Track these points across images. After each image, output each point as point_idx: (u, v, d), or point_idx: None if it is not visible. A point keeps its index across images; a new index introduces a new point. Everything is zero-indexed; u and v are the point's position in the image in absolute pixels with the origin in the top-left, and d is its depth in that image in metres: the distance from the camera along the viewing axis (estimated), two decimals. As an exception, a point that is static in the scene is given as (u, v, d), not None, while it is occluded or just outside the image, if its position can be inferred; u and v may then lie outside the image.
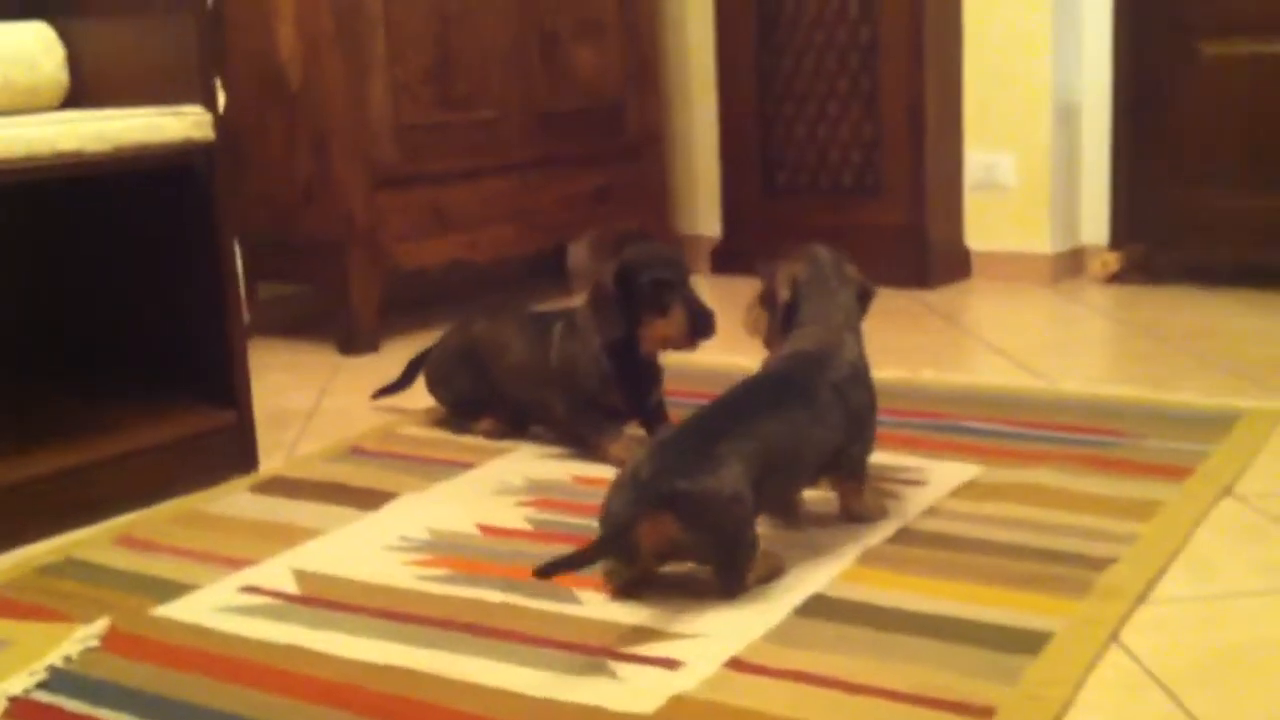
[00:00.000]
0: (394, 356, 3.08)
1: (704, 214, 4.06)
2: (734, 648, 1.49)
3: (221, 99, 2.93)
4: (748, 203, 3.87)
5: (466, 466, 2.19)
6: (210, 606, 1.68)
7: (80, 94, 2.34)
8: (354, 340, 3.13)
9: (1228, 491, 1.92)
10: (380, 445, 2.34)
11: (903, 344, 2.93)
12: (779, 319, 1.87)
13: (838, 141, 3.69)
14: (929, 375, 2.63)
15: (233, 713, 1.40)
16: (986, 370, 2.70)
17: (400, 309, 3.44)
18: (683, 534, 1.58)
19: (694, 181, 4.09)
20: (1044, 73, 3.49)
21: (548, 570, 1.51)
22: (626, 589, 1.64)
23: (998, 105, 3.57)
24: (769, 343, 1.91)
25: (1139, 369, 2.66)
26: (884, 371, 2.63)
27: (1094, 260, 3.58)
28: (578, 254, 4.19)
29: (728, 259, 3.88)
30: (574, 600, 1.64)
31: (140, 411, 2.26)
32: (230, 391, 2.25)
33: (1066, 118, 3.57)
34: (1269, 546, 1.74)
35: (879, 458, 2.09)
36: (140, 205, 2.31)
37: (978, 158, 3.62)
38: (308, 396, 2.75)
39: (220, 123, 2.20)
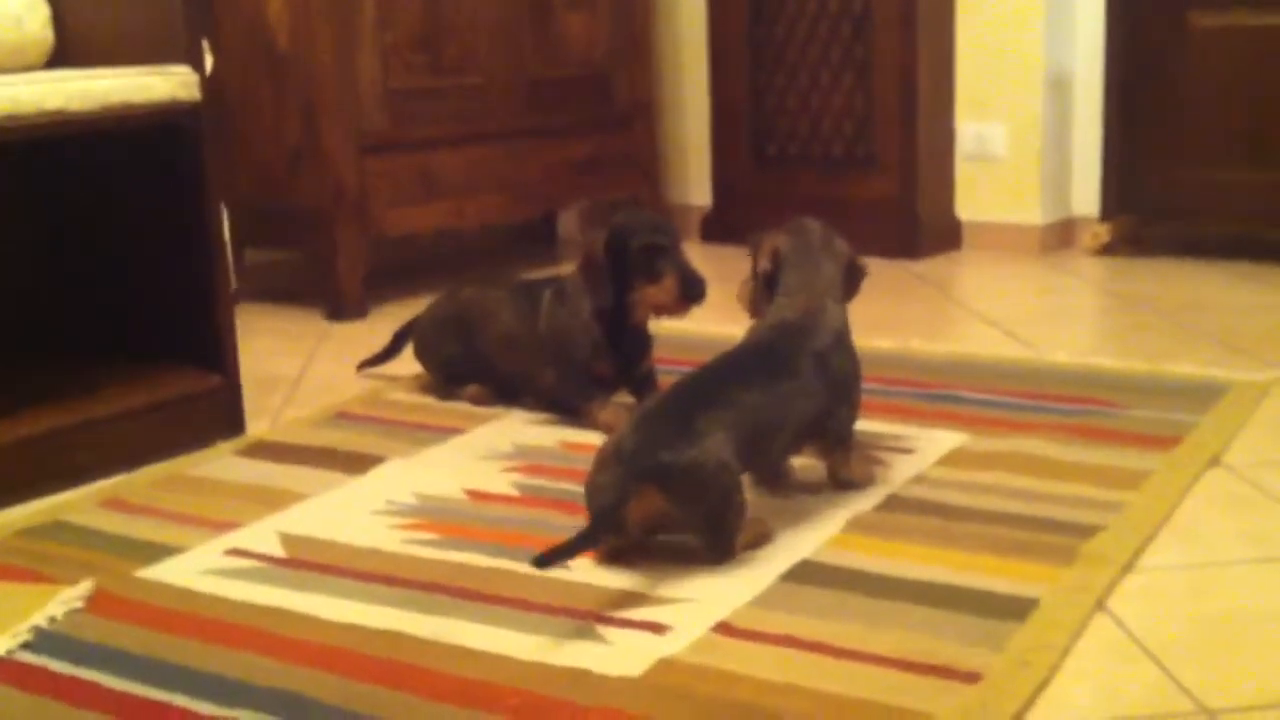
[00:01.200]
0: (382, 323, 3.07)
1: (695, 184, 4.04)
2: (721, 612, 1.49)
3: (209, 61, 2.91)
4: (738, 173, 3.86)
5: (454, 432, 2.19)
6: (196, 569, 1.67)
7: (66, 53, 2.31)
8: (341, 306, 3.12)
9: (1215, 461, 1.92)
10: (367, 410, 2.33)
11: (893, 314, 2.92)
12: (761, 289, 1.87)
13: (829, 112, 3.68)
14: (918, 345, 2.63)
15: (218, 674, 1.40)
16: (976, 340, 2.69)
17: (388, 276, 3.43)
18: (670, 506, 1.58)
19: (685, 151, 4.07)
20: (1036, 44, 3.48)
21: (545, 560, 1.50)
22: (614, 555, 1.64)
23: (990, 76, 3.55)
24: (754, 312, 1.90)
25: (1128, 340, 2.66)
26: (874, 341, 2.64)
27: (1085, 232, 3.58)
28: (568, 223, 4.18)
29: (718, 229, 3.87)
30: (562, 565, 1.63)
31: (127, 375, 2.25)
32: (217, 355, 2.24)
33: (1058, 89, 3.56)
34: (1256, 516, 1.74)
35: (868, 425, 2.09)
36: (127, 167, 2.29)
37: (969, 129, 3.61)
38: (295, 362, 2.74)
39: (208, 86, 2.18)
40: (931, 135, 3.57)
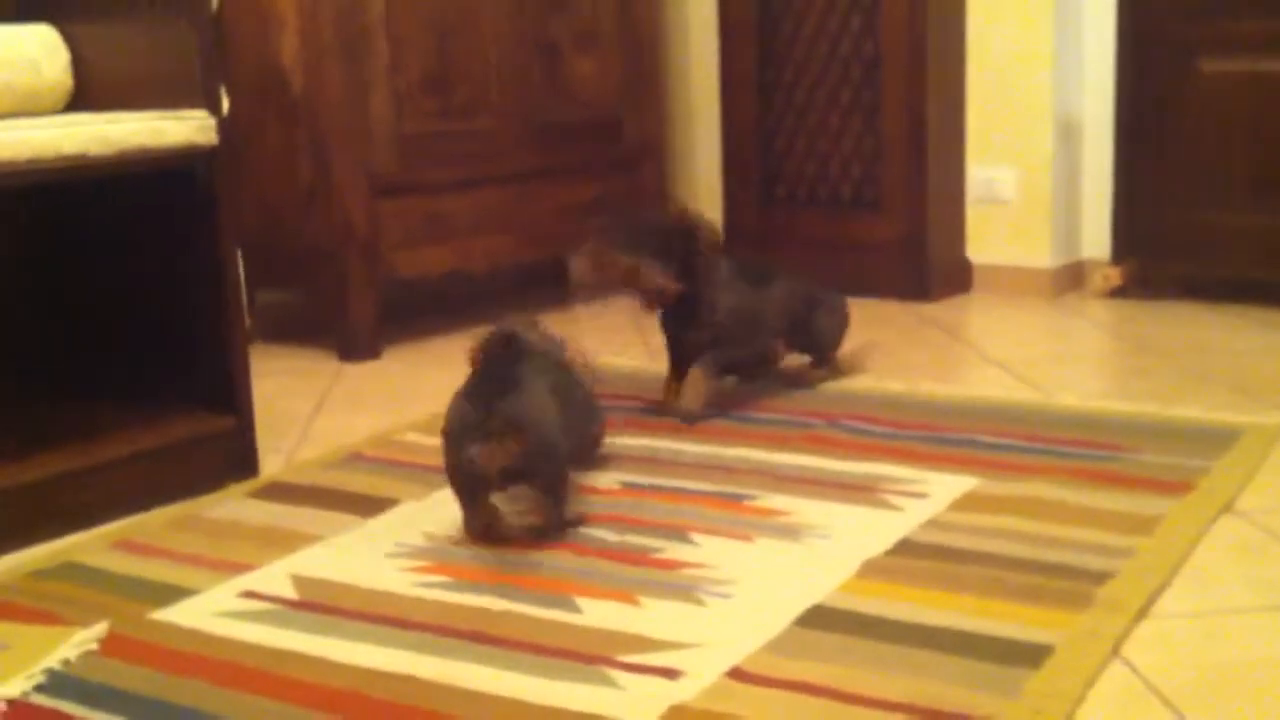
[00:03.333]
0: (394, 363, 3.08)
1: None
2: (734, 658, 1.48)
3: (225, 104, 2.94)
4: (748, 214, 3.87)
5: (466, 474, 2.19)
6: (209, 611, 1.67)
7: (84, 97, 2.33)
8: (354, 347, 3.13)
9: (1228, 507, 1.92)
10: (380, 452, 2.34)
11: (902, 357, 2.92)
12: None
13: (838, 154, 3.69)
14: (928, 387, 2.63)
15: (230, 717, 1.40)
16: (986, 384, 2.69)
17: (401, 317, 3.44)
18: (515, 446, 1.77)
19: (694, 192, 4.09)
20: (1045, 88, 3.50)
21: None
22: (487, 534, 1.83)
23: (999, 120, 3.57)
24: None
25: (1139, 384, 2.67)
26: (884, 383, 2.65)
27: (1095, 274, 3.58)
28: (577, 265, 4.18)
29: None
30: (574, 608, 1.63)
31: (140, 416, 2.25)
32: (230, 396, 2.25)
33: (1068, 133, 3.58)
34: (1269, 563, 1.74)
35: (879, 469, 2.10)
36: (143, 209, 2.31)
37: (979, 172, 3.63)
38: (307, 402, 2.75)
39: (222, 128, 2.20)
40: (941, 178, 3.59)
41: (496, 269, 3.63)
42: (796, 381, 2.68)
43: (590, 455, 2.18)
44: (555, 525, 1.86)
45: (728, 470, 2.15)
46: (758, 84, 3.79)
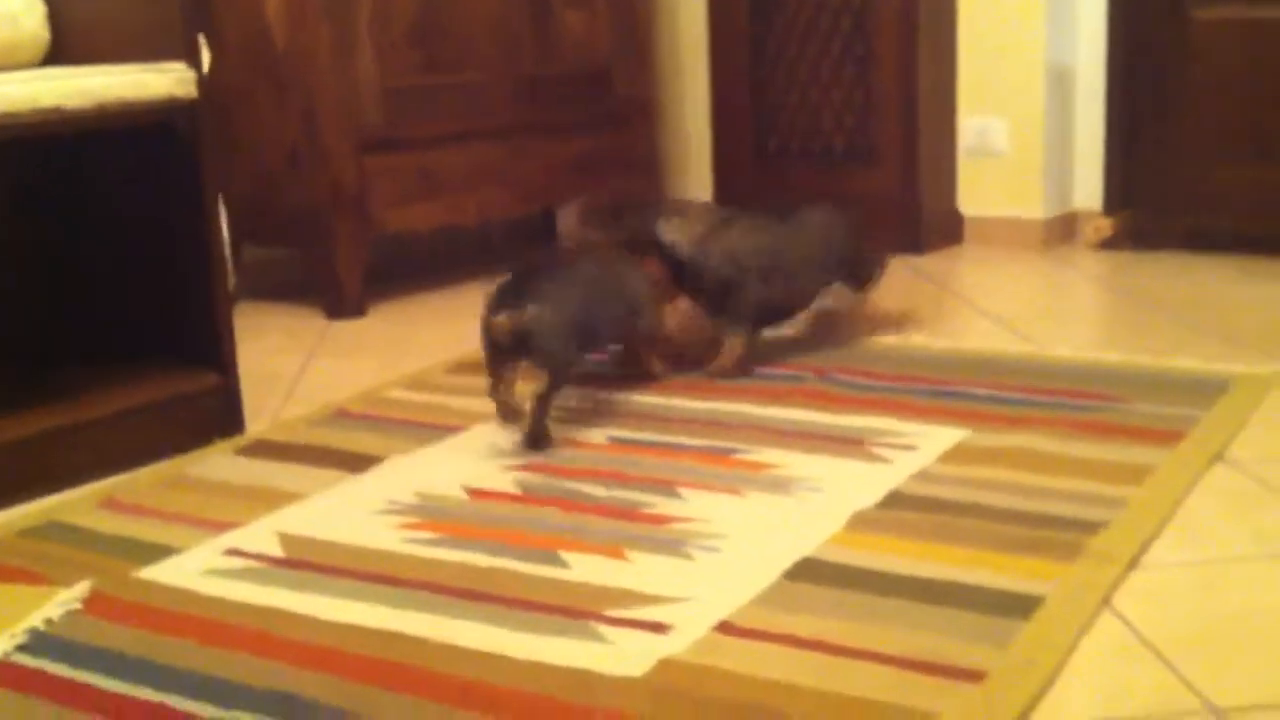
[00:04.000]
0: (380, 321, 3.06)
1: (696, 179, 4.03)
2: (723, 611, 1.48)
3: (206, 58, 2.90)
4: (739, 168, 3.84)
5: (455, 430, 2.18)
6: (194, 569, 1.66)
7: (62, 51, 2.30)
8: (341, 305, 3.11)
9: (1219, 457, 1.91)
10: (366, 409, 2.32)
11: (894, 309, 2.91)
12: None
13: (830, 106, 3.66)
14: (920, 340, 2.62)
15: (216, 675, 1.39)
16: (978, 335, 2.68)
17: (388, 273, 3.41)
18: (522, 317, 2.00)
19: (686, 147, 4.06)
20: (1038, 38, 3.47)
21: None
22: (499, 401, 2.04)
23: (991, 70, 3.54)
24: None
25: (1131, 335, 2.65)
26: (875, 336, 2.63)
27: (1087, 225, 3.56)
28: (567, 219, 4.16)
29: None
30: (562, 564, 1.62)
31: (124, 375, 2.23)
32: (216, 354, 2.23)
33: (1060, 83, 3.55)
34: (1261, 512, 1.73)
35: (870, 421, 2.08)
36: (124, 164, 2.28)
37: (971, 123, 3.60)
38: (294, 360, 2.73)
39: (206, 84, 2.17)
40: (933, 129, 3.56)
41: (487, 224, 3.60)
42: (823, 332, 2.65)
43: (637, 345, 2.40)
44: (543, 402, 2.04)
45: (717, 425, 2.14)
46: (748, 35, 3.75)
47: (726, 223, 2.45)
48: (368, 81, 3.11)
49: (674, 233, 2.41)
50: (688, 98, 4.03)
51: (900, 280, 3.23)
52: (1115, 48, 3.43)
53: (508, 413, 2.06)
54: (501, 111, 3.40)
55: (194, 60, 2.16)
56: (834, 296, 2.68)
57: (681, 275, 2.42)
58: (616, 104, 3.73)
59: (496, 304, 2.05)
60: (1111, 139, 3.48)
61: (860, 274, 2.67)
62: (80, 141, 2.24)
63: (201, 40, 2.77)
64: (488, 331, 2.04)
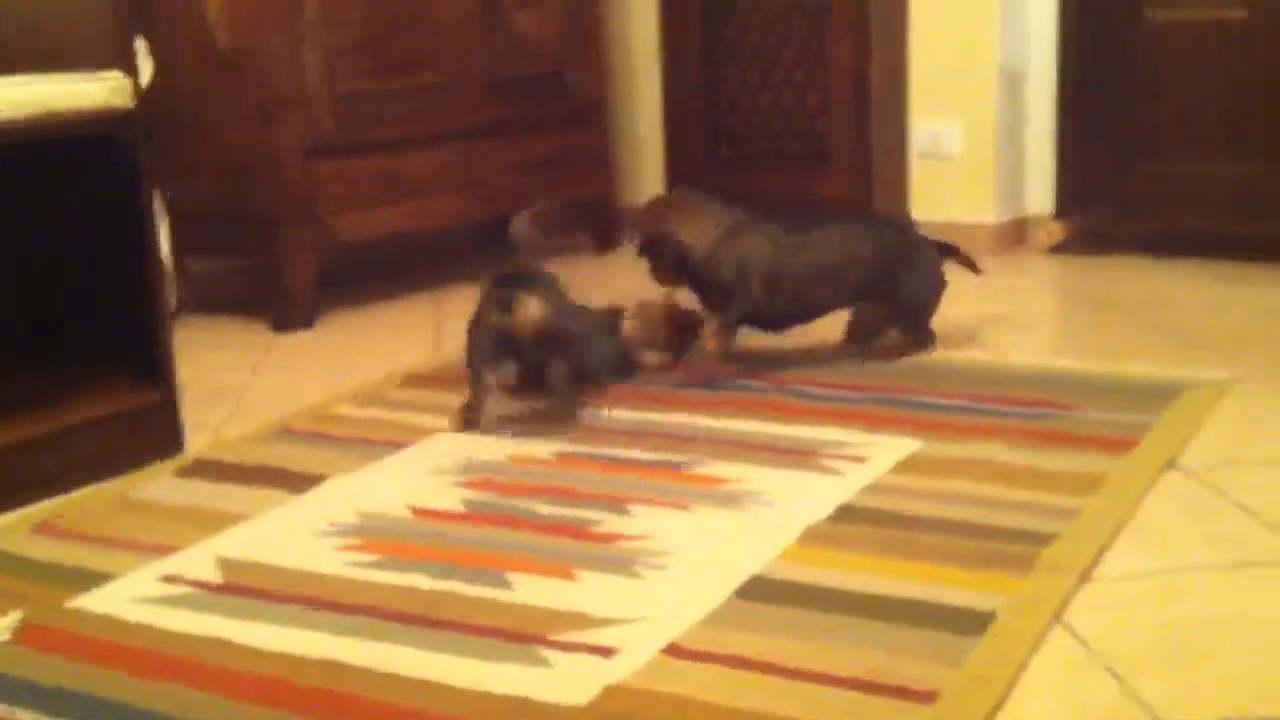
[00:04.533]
0: (329, 333, 3.01)
1: (648, 181, 3.99)
2: (671, 633, 1.44)
3: (149, 67, 2.84)
4: (692, 170, 3.81)
5: (401, 445, 2.13)
6: (129, 597, 1.61)
7: (-6, 62, 2.24)
8: (288, 316, 3.05)
9: (1172, 464, 1.90)
10: (312, 425, 2.27)
11: (842, 315, 2.87)
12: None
13: (782, 109, 3.64)
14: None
15: (152, 710, 1.34)
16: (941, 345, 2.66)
17: (341, 282, 3.36)
18: (549, 310, 2.09)
19: (638, 149, 4.02)
20: (991, 39, 3.46)
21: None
22: (473, 412, 2.13)
23: (944, 72, 3.53)
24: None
25: (1086, 340, 2.64)
26: (826, 342, 2.61)
27: (1039, 230, 3.56)
28: (520, 224, 4.11)
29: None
30: (505, 585, 1.59)
31: (60, 391, 2.17)
32: (154, 370, 2.17)
33: (1012, 86, 3.54)
34: (1215, 519, 1.72)
35: (820, 433, 2.06)
36: (61, 175, 2.22)
37: (924, 126, 3.59)
38: (239, 375, 2.67)
39: (150, 91, 2.12)
40: (885, 133, 3.54)
41: (448, 229, 3.56)
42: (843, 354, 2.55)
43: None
44: (566, 409, 2.15)
45: (667, 436, 2.11)
46: (701, 37, 3.73)
47: (741, 227, 2.44)
48: (316, 85, 3.06)
49: (689, 235, 2.44)
50: (640, 99, 4.00)
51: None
52: (1068, 50, 3.43)
53: (473, 422, 2.13)
54: (456, 114, 3.36)
55: (130, 68, 2.11)
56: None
57: (690, 272, 2.46)
58: (571, 105, 3.70)
59: (506, 300, 2.07)
60: (1063, 141, 3.47)
61: (911, 320, 2.55)
62: (16, 150, 2.18)
63: (143, 48, 2.72)
64: (498, 328, 2.07)
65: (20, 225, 2.32)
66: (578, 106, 3.72)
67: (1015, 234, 3.61)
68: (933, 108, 3.56)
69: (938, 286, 2.54)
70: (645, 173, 4.01)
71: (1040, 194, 3.59)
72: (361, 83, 3.15)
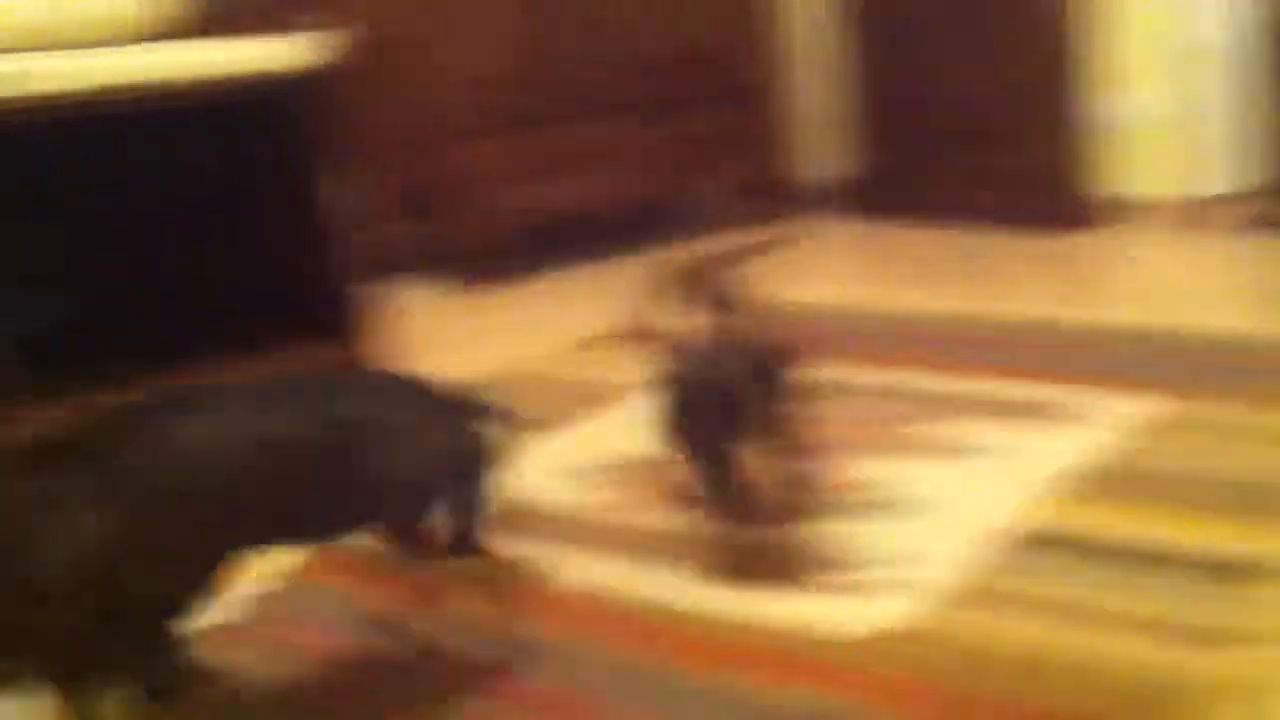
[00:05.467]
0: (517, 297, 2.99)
1: (824, 158, 3.87)
2: (949, 578, 1.42)
3: (344, 33, 2.86)
4: (880, 146, 3.70)
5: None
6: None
7: (187, 25, 2.24)
8: (474, 280, 3.13)
9: None
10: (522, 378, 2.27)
11: (1045, 288, 2.73)
12: None
13: (973, 82, 3.49)
14: (1081, 315, 2.48)
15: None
16: (1165, 313, 2.51)
17: (515, 255, 3.34)
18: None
19: (813, 125, 3.90)
20: (1182, 13, 3.28)
21: None
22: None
23: (1136, 47, 3.36)
24: None
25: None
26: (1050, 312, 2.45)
27: (1225, 209, 3.35)
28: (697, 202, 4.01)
29: (858, 204, 3.74)
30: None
31: (245, 347, 2.16)
32: (339, 327, 2.16)
33: (1202, 61, 3.35)
34: None
35: (1061, 395, 1.97)
36: (252, 134, 2.21)
37: (1114, 101, 3.42)
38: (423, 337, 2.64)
39: (337, 59, 2.12)
40: (1078, 108, 3.39)
41: (616, 206, 3.52)
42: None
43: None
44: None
45: (904, 398, 2.06)
46: (882, 16, 3.61)
47: None
48: (492, 64, 3.09)
49: None
50: (815, 74, 3.88)
51: (1050, 260, 3.06)
52: (1261, 23, 3.22)
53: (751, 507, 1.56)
54: (621, 92, 3.35)
55: (318, 32, 2.11)
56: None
57: None
58: (736, 86, 3.64)
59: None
60: (1254, 117, 3.26)
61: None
62: (198, 112, 2.18)
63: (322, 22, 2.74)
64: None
65: (214, 182, 2.31)
66: (743, 87, 3.66)
67: (1204, 211, 3.39)
68: (1123, 82, 3.39)
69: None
70: (821, 149, 3.89)
71: (1235, 170, 3.37)
72: (533, 62, 3.18)
